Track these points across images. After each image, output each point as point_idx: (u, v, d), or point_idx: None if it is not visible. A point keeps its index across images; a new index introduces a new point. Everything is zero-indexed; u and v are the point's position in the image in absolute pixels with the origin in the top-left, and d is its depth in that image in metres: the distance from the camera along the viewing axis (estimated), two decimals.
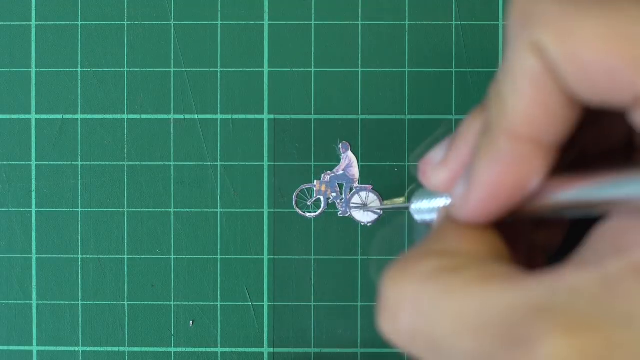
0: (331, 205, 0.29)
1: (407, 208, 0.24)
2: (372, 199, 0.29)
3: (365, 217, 0.29)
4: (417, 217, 0.23)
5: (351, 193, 0.29)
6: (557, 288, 0.13)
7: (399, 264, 0.16)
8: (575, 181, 0.16)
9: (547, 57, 0.14)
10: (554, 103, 0.14)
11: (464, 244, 0.16)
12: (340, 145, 0.29)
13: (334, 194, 0.29)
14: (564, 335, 0.12)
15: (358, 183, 0.29)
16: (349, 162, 0.29)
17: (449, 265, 0.15)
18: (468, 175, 0.17)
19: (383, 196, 0.29)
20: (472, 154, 0.17)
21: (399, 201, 0.29)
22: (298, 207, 0.29)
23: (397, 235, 0.29)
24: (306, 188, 0.29)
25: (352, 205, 0.29)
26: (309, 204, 0.29)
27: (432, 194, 0.22)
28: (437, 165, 0.19)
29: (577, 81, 0.14)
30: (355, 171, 0.29)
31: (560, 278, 0.13)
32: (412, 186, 0.29)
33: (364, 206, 0.29)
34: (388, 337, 0.16)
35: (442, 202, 0.21)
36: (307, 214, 0.29)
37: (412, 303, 0.15)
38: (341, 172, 0.29)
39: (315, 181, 0.29)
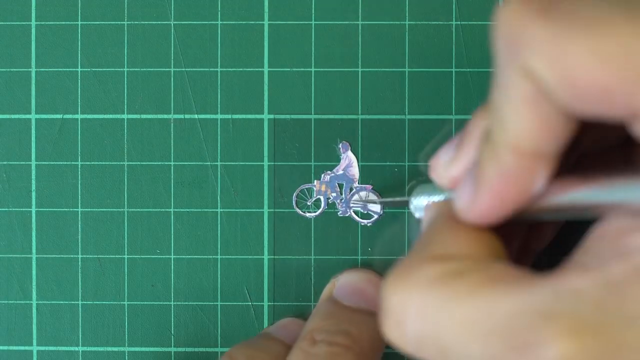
0: (331, 205, 0.29)
1: (407, 203, 0.24)
2: (372, 198, 0.29)
3: (367, 214, 0.29)
4: (417, 213, 0.23)
5: (351, 193, 0.29)
6: (561, 292, 0.13)
7: (399, 269, 0.16)
8: (575, 185, 0.16)
9: (540, 82, 0.14)
10: (551, 120, 0.15)
11: (465, 246, 0.16)
12: (340, 145, 0.29)
13: (334, 194, 0.29)
14: (570, 339, 0.13)
15: (358, 183, 0.29)
16: (349, 162, 0.29)
17: (453, 270, 0.15)
18: (473, 179, 0.17)
19: (383, 196, 0.29)
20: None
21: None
22: (298, 207, 0.29)
23: (399, 236, 0.29)
24: (306, 188, 0.29)
25: (352, 204, 0.29)
26: (309, 203, 0.29)
27: (431, 191, 0.22)
28: (448, 163, 0.19)
29: (572, 101, 0.14)
30: (355, 171, 0.29)
31: (564, 282, 0.13)
32: (411, 182, 0.29)
33: (364, 202, 0.29)
34: (395, 344, 0.16)
35: (441, 199, 0.21)
36: (307, 214, 0.29)
37: (418, 310, 0.15)
38: (341, 172, 0.29)
39: (315, 181, 0.29)
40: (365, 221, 0.29)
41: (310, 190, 0.29)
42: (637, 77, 0.12)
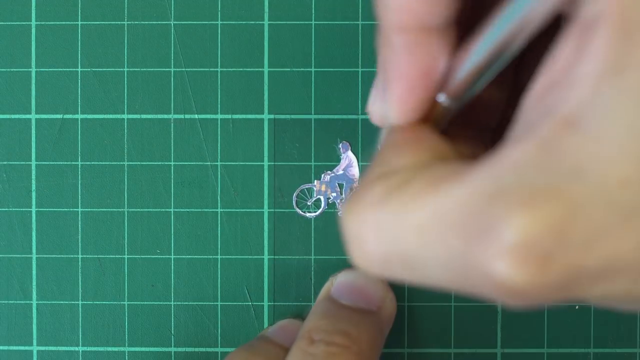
0: (331, 205, 0.29)
1: None
2: None
3: None
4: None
5: (351, 193, 0.29)
6: (501, 169, 0.13)
7: (352, 196, 0.16)
8: (475, 38, 0.16)
9: None
10: None
11: (405, 157, 0.16)
12: (340, 145, 0.29)
13: (334, 194, 0.29)
14: (523, 212, 0.12)
15: (358, 183, 0.29)
16: (349, 162, 0.29)
17: (397, 182, 0.15)
18: (382, 82, 0.17)
19: None
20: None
21: None
22: (298, 207, 0.29)
23: None
24: (306, 188, 0.29)
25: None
26: (309, 203, 0.29)
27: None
28: (374, 100, 0.19)
29: None
30: (355, 171, 0.29)
31: (502, 159, 0.13)
32: None
33: None
34: (363, 268, 0.16)
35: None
36: (308, 214, 0.29)
37: (373, 229, 0.15)
38: (341, 172, 0.29)
39: (316, 181, 0.29)
40: None
41: (310, 190, 0.29)
42: None
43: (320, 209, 0.29)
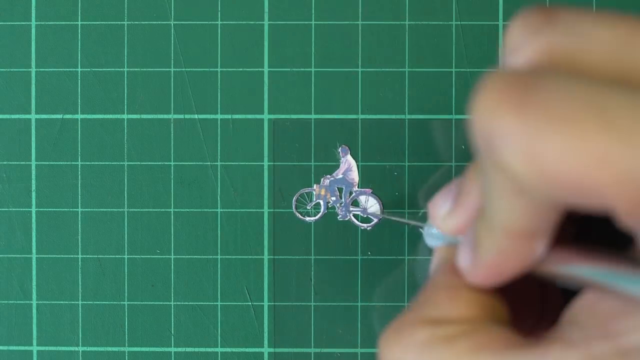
0: (331, 209, 0.29)
1: (421, 227, 0.25)
2: (372, 202, 0.29)
3: (366, 218, 0.29)
4: (429, 241, 0.24)
5: (350, 197, 0.29)
6: None
7: (395, 327, 0.17)
8: (573, 258, 0.16)
9: (515, 177, 0.14)
10: (538, 207, 0.15)
11: (461, 308, 0.17)
12: (339, 149, 0.29)
13: (333, 198, 0.29)
14: None
15: (357, 187, 0.29)
16: (349, 166, 0.29)
17: (443, 335, 0.16)
18: (472, 245, 0.17)
19: (382, 200, 0.29)
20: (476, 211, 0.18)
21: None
22: (298, 211, 0.29)
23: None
24: (306, 192, 0.29)
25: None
26: (308, 207, 0.29)
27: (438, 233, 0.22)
28: (446, 215, 0.20)
29: (553, 195, 0.14)
30: (354, 175, 0.29)
31: (549, 355, 0.14)
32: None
33: (383, 217, 0.29)
34: None
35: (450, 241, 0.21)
36: (307, 218, 0.29)
37: None
38: (341, 176, 0.29)
39: (315, 185, 0.29)
40: (364, 225, 0.29)
41: (310, 195, 0.29)
42: (610, 180, 0.13)
43: (320, 213, 0.29)
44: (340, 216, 0.29)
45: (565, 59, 0.14)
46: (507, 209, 0.15)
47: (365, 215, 0.29)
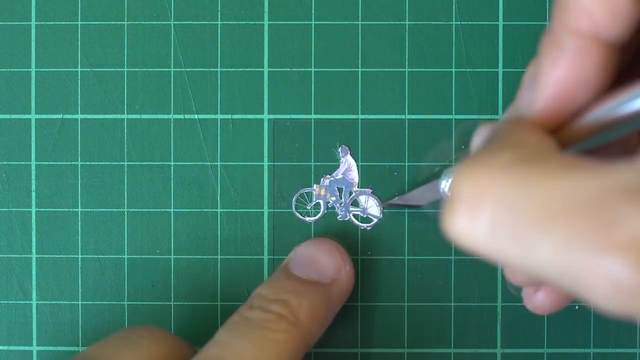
0: (331, 209, 0.29)
1: (435, 188, 0.25)
2: (371, 203, 0.29)
3: (366, 218, 0.29)
4: (444, 184, 0.23)
5: (350, 197, 0.29)
6: None
7: (473, 158, 0.16)
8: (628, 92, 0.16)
9: None
10: (614, 2, 0.14)
11: (534, 135, 0.16)
12: (339, 149, 0.29)
13: (333, 198, 0.29)
14: None
15: (357, 187, 0.29)
16: (348, 166, 0.29)
17: (527, 154, 0.15)
18: (534, 82, 0.17)
19: (382, 200, 0.29)
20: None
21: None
22: (297, 211, 0.29)
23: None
24: (305, 192, 0.29)
25: (351, 212, 0.29)
26: (308, 208, 0.29)
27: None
28: (527, 88, 0.19)
29: None
30: (354, 175, 0.29)
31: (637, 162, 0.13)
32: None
33: (395, 205, 0.28)
34: (462, 237, 0.15)
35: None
36: (307, 218, 0.29)
37: (494, 195, 0.15)
38: (340, 176, 0.29)
39: (315, 185, 0.29)
40: (364, 225, 0.29)
41: (309, 195, 0.29)
42: None
43: (320, 213, 0.29)
44: (340, 216, 0.29)
45: None
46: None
47: (365, 215, 0.29)
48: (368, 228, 0.29)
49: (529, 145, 0.16)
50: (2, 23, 0.29)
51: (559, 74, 0.16)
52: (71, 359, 0.23)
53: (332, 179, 0.29)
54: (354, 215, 0.29)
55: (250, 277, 0.29)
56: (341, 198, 0.29)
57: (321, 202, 0.29)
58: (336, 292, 0.26)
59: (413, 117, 0.29)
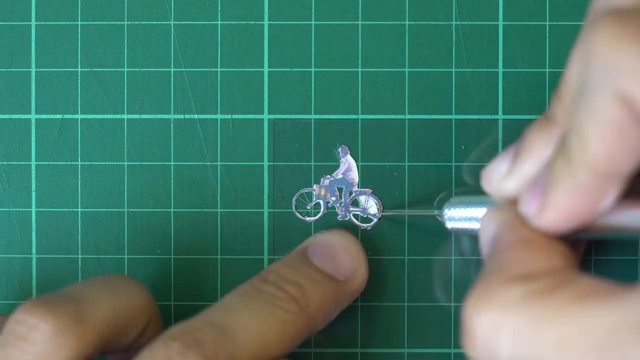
0: (331, 209, 0.29)
1: (436, 215, 0.25)
2: (371, 203, 0.29)
3: (366, 218, 0.29)
4: (450, 224, 0.24)
5: (350, 197, 0.29)
6: None
7: (480, 291, 0.16)
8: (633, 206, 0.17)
9: (635, 107, 0.14)
10: (635, 145, 0.15)
11: (544, 260, 0.16)
12: (339, 149, 0.29)
13: (333, 198, 0.29)
14: None
15: (357, 187, 0.29)
16: (348, 166, 0.29)
17: (540, 288, 0.15)
18: (542, 189, 0.17)
19: (383, 200, 0.29)
20: (542, 170, 0.18)
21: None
22: (297, 211, 0.29)
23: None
24: (305, 192, 0.29)
25: (352, 212, 0.29)
26: (308, 208, 0.29)
27: (468, 203, 0.22)
28: (505, 177, 0.20)
29: None
30: (354, 175, 0.29)
31: None
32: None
33: (393, 213, 0.29)
34: None
35: (480, 211, 0.21)
36: (307, 218, 0.29)
37: (509, 333, 0.15)
38: (340, 176, 0.29)
39: (315, 185, 0.29)
40: (365, 225, 0.29)
41: (309, 195, 0.29)
42: None
43: (320, 213, 0.29)
44: (340, 216, 0.29)
45: None
46: (602, 144, 0.15)
47: (365, 215, 0.29)
48: (368, 228, 0.29)
49: (540, 274, 0.16)
50: (2, 23, 0.29)
51: (574, 203, 0.16)
52: (47, 294, 0.23)
53: (332, 179, 0.29)
54: (354, 215, 0.29)
55: (250, 277, 0.29)
56: (341, 198, 0.29)
57: (321, 202, 0.29)
58: (348, 291, 0.26)
59: (413, 117, 0.29)
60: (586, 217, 0.17)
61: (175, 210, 0.29)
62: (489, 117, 0.29)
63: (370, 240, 0.29)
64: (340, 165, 0.29)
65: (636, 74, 0.14)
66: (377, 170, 0.29)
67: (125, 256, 0.29)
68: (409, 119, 0.29)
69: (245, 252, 0.29)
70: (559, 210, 0.17)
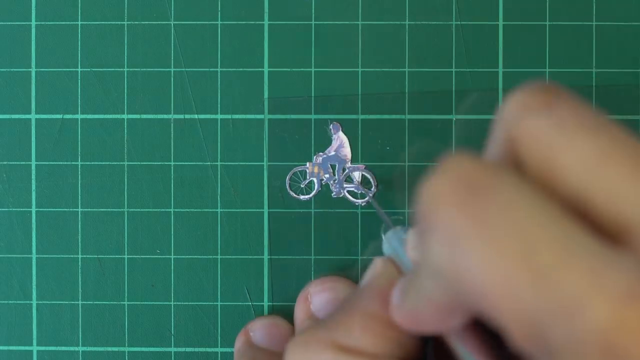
0: (324, 187, 0.29)
1: (387, 229, 0.25)
2: (366, 179, 0.29)
3: (361, 194, 0.29)
4: (386, 248, 0.23)
5: (344, 173, 0.29)
6: None
7: (303, 342, 0.17)
8: (467, 341, 0.17)
9: (437, 270, 0.14)
10: (456, 299, 0.15)
11: (370, 340, 0.17)
12: (331, 126, 0.29)
13: (327, 175, 0.29)
14: None
15: (350, 163, 0.29)
16: (341, 143, 0.29)
17: None
18: (403, 287, 0.17)
19: (377, 175, 0.29)
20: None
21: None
22: (291, 190, 0.29)
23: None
24: (299, 170, 0.29)
25: (345, 188, 0.29)
26: (302, 186, 0.29)
27: (404, 241, 0.22)
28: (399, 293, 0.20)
29: (463, 297, 0.14)
30: (347, 151, 0.29)
31: None
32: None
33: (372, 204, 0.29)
34: None
35: (409, 254, 0.21)
36: (301, 197, 0.29)
37: None
38: (333, 153, 0.29)
39: (308, 163, 0.29)
40: (359, 201, 0.29)
41: (302, 173, 0.29)
42: (509, 310, 0.13)
43: (314, 191, 0.29)
44: (334, 193, 0.29)
45: (540, 154, 0.14)
46: (432, 285, 0.15)
47: (359, 192, 0.29)
48: (363, 204, 0.29)
49: (357, 351, 0.17)
50: (2, 23, 0.29)
51: (419, 314, 0.16)
52: None
53: (324, 156, 0.29)
54: (349, 192, 0.29)
55: (250, 277, 0.29)
56: (334, 175, 0.29)
57: (315, 179, 0.29)
58: None
59: (413, 117, 0.29)
60: (433, 332, 0.17)
61: (175, 210, 0.29)
62: (488, 117, 0.29)
63: (370, 240, 0.29)
64: (333, 142, 0.29)
65: (438, 238, 0.14)
66: (377, 170, 0.29)
67: (125, 256, 0.29)
68: (409, 119, 0.29)
69: (245, 252, 0.29)
70: (408, 317, 0.17)
